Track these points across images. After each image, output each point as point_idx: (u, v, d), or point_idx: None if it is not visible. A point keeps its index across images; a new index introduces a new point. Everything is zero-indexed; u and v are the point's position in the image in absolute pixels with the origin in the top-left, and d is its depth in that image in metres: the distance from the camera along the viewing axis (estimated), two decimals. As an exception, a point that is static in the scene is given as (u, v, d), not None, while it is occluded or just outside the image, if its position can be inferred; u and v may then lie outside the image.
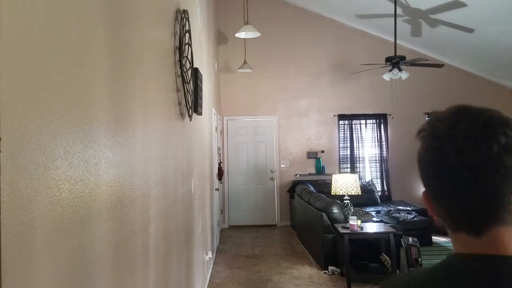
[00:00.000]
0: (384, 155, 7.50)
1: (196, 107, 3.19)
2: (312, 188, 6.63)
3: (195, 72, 3.17)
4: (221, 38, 7.48)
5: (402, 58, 5.43)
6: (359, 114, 7.55)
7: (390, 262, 4.30)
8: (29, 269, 0.79)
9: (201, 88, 3.51)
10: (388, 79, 5.81)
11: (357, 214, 5.19)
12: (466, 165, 0.60)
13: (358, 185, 4.81)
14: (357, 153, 7.54)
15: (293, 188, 7.07)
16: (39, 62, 0.83)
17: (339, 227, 4.47)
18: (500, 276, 0.58)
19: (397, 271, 4.32)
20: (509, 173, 0.58)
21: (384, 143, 7.51)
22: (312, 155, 7.51)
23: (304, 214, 5.75)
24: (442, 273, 0.63)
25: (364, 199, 6.91)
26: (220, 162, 6.89)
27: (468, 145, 0.60)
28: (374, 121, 7.58)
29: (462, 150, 0.60)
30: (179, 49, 2.57)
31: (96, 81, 1.16)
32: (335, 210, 4.77)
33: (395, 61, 5.45)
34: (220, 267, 4.97)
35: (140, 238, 1.62)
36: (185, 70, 2.72)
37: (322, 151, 7.53)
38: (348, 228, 4.40)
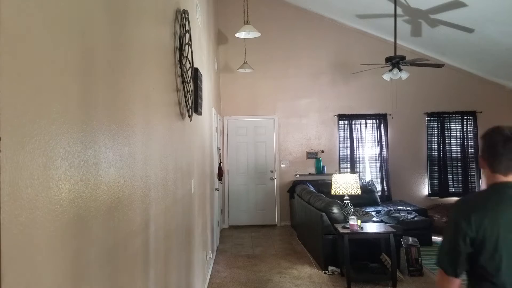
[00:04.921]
0: (384, 155, 7.50)
1: (196, 107, 3.19)
2: (312, 188, 6.63)
3: (195, 72, 3.17)
4: (221, 38, 7.48)
5: (402, 58, 5.43)
6: (359, 114, 7.55)
7: (390, 262, 4.30)
8: (29, 269, 0.78)
9: (201, 88, 3.51)
10: (388, 79, 5.81)
11: (357, 214, 5.18)
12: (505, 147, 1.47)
13: (358, 185, 4.81)
14: (357, 153, 7.54)
15: (293, 188, 7.07)
16: (39, 62, 0.83)
17: (339, 227, 4.47)
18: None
19: (397, 271, 4.32)
20: None
21: (384, 143, 7.51)
22: (312, 155, 7.51)
23: (304, 214, 5.75)
24: (489, 190, 1.52)
25: (364, 199, 6.90)
26: (220, 162, 6.89)
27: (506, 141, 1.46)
28: (374, 121, 7.58)
29: (504, 142, 1.47)
30: (179, 49, 2.57)
31: (96, 81, 1.16)
32: (335, 210, 4.77)
33: (395, 61, 5.45)
34: (220, 267, 4.97)
35: (140, 238, 1.62)
36: (185, 70, 2.71)
37: (322, 151, 7.53)
38: (348, 228, 4.40)
